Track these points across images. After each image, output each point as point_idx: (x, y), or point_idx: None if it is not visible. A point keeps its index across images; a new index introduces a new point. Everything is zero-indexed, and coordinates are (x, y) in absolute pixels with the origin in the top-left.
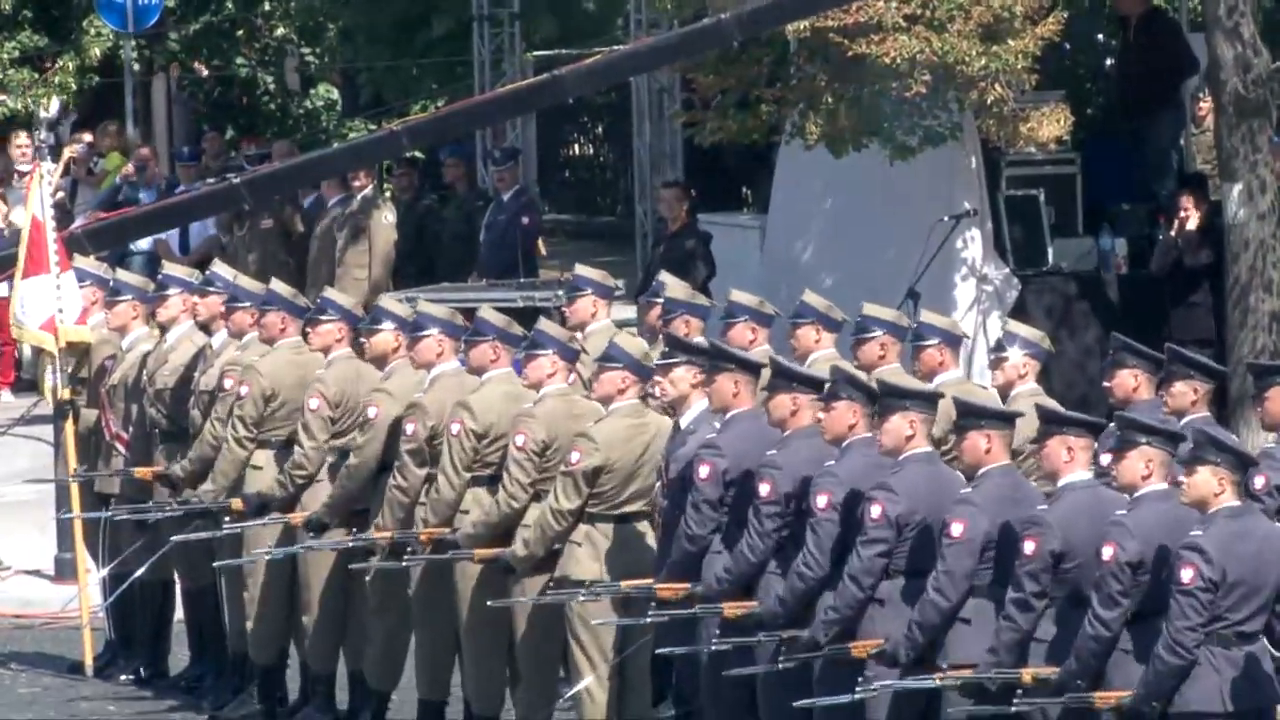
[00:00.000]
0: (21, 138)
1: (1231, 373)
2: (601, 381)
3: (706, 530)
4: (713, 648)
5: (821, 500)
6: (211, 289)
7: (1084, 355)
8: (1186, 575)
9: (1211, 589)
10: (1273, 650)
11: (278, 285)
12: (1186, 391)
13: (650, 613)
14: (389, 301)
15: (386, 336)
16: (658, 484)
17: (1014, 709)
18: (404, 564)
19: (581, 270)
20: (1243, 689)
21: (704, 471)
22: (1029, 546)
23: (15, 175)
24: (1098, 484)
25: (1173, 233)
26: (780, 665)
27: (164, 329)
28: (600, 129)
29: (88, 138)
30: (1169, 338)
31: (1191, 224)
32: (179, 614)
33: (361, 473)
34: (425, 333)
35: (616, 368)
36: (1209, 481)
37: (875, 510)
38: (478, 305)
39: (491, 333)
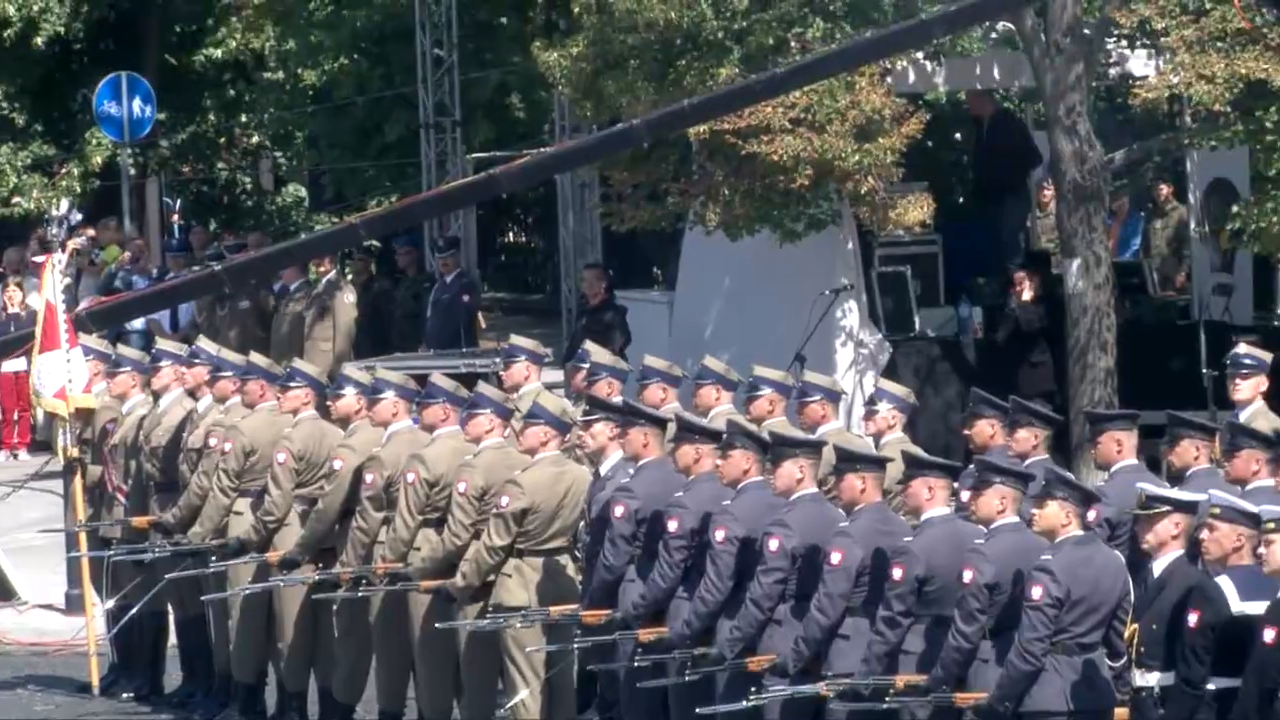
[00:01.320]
0: (37, 235)
1: (1073, 421)
2: (526, 436)
3: (621, 561)
4: (635, 664)
5: (720, 534)
6: (197, 360)
7: (946, 408)
8: (1036, 593)
9: (1057, 605)
10: (1109, 661)
11: (256, 357)
12: (1029, 437)
13: (576, 639)
14: (352, 370)
15: (349, 400)
16: (582, 523)
17: (885, 706)
18: (362, 594)
19: (516, 340)
20: (1083, 691)
21: (619, 511)
22: (897, 572)
23: (30, 265)
24: (956, 518)
25: (1011, 304)
26: (686, 677)
27: (157, 395)
28: (530, 219)
29: (90, 232)
30: (1018, 393)
31: (1026, 295)
32: (173, 640)
33: (328, 516)
34: (382, 395)
35: (539, 423)
36: (1057, 514)
37: (774, 544)
38: (427, 371)
39: (442, 396)
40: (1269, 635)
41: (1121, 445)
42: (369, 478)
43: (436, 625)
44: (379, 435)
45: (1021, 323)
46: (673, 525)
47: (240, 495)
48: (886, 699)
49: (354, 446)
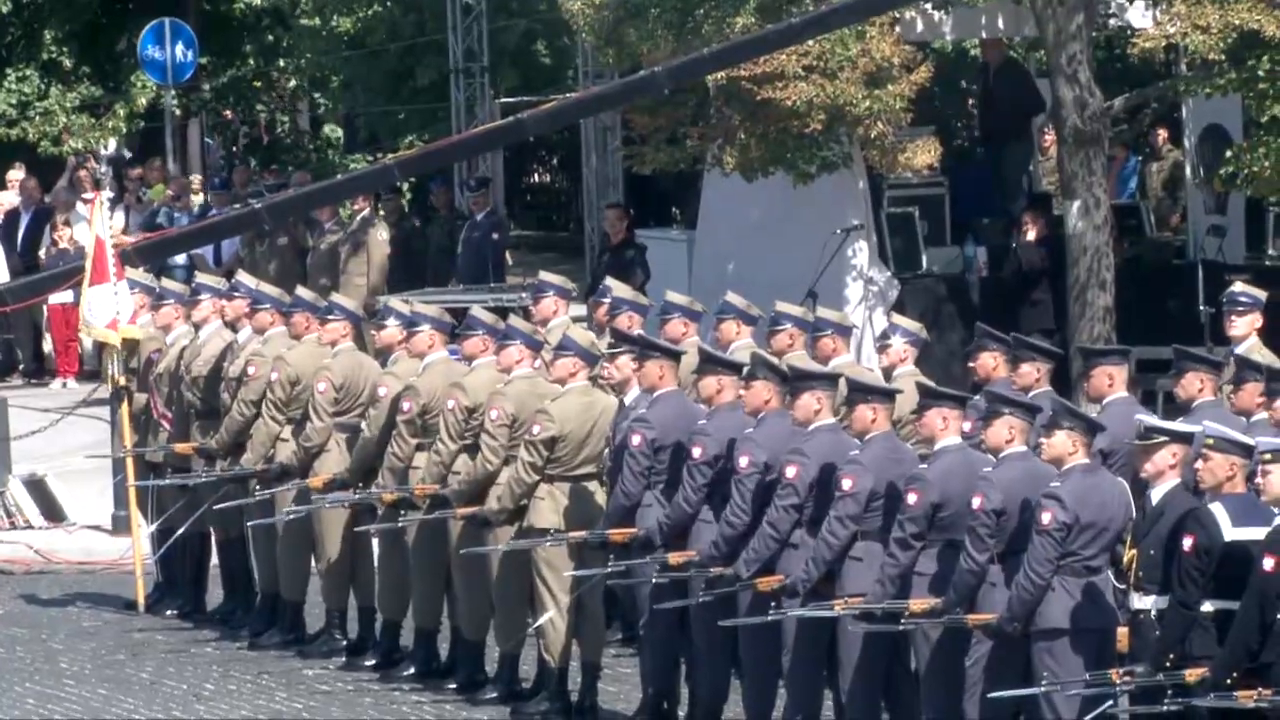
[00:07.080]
0: (83, 171)
1: (1073, 357)
2: (557, 366)
3: (638, 488)
4: (656, 583)
5: (744, 460)
6: (237, 294)
7: (951, 344)
8: (1045, 518)
9: (1065, 530)
10: (1114, 581)
11: (302, 291)
12: (1031, 371)
13: (610, 564)
14: (395, 302)
15: (392, 331)
16: (605, 450)
17: (900, 627)
18: (401, 524)
19: (545, 276)
20: (1087, 611)
21: (635, 441)
22: (912, 498)
23: (76, 202)
24: (968, 447)
25: (1014, 244)
26: (702, 598)
27: (197, 327)
28: (555, 160)
29: (137, 171)
30: (1019, 329)
31: (1029, 236)
32: (215, 561)
33: (374, 442)
34: (419, 328)
35: (569, 354)
36: (1064, 443)
37: (790, 471)
38: (460, 305)
39: (481, 328)
40: (1268, 563)
41: (1113, 379)
42: (405, 405)
43: (462, 551)
44: (417, 365)
45: (1024, 262)
46: (697, 452)
47: (287, 422)
48: (901, 622)
49: (397, 375)
